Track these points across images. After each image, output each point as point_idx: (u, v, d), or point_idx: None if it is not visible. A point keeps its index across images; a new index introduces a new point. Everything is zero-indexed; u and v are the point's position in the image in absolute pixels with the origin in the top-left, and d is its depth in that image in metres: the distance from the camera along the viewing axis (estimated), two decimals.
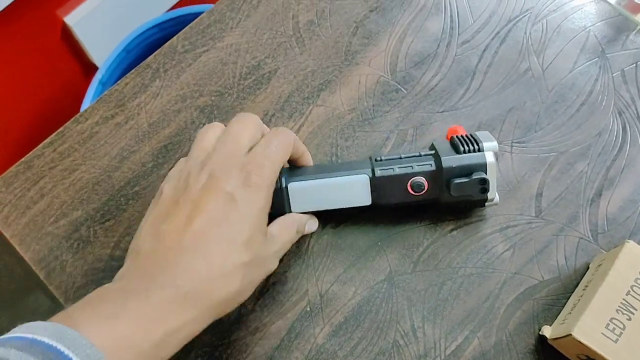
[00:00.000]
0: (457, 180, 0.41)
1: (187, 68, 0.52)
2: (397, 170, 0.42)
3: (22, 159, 0.49)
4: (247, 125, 0.40)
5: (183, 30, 0.54)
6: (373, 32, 0.53)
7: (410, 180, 0.42)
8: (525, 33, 0.52)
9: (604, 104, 0.50)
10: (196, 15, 0.94)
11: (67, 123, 0.50)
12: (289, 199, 0.42)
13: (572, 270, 0.45)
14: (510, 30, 0.53)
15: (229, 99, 0.51)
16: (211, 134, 0.40)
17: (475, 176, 0.41)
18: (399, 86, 0.51)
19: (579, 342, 0.37)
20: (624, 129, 0.49)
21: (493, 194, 0.42)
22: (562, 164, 0.48)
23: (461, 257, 0.45)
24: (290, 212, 0.43)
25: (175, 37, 0.53)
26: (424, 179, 0.42)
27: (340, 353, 0.43)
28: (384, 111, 0.50)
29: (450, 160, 0.41)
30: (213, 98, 0.51)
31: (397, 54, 0.52)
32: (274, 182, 0.38)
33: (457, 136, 0.43)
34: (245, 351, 0.43)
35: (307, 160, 0.44)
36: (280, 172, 0.42)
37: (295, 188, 0.42)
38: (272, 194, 0.38)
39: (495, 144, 0.42)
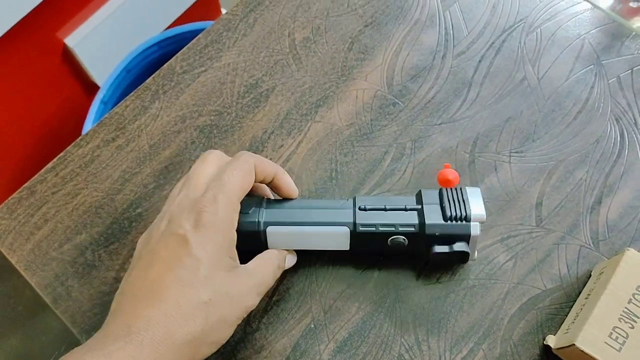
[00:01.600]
0: (438, 250, 0.41)
1: (185, 89, 0.53)
2: (380, 228, 0.41)
3: (25, 185, 0.50)
4: (205, 164, 0.40)
5: (181, 52, 0.54)
6: (369, 47, 0.53)
7: (390, 238, 0.41)
8: (520, 43, 0.53)
9: (600, 110, 0.50)
10: (194, 32, 0.95)
11: (69, 147, 0.51)
12: (266, 242, 0.42)
13: (574, 279, 0.45)
14: (505, 41, 0.53)
15: (227, 118, 0.51)
16: (180, 182, 0.41)
17: (457, 249, 0.40)
18: (396, 100, 0.51)
19: (583, 351, 0.37)
20: (622, 135, 0.49)
21: (473, 256, 0.42)
22: (561, 172, 0.48)
23: (463, 269, 0.45)
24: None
25: (173, 59, 0.54)
26: (405, 238, 0.41)
27: None
28: (382, 125, 0.50)
29: (434, 227, 0.40)
30: (212, 117, 0.51)
31: (393, 67, 0.52)
32: (231, 215, 0.37)
33: (446, 193, 0.42)
34: None
35: (287, 183, 0.43)
36: (260, 206, 0.42)
37: (273, 232, 0.41)
38: (232, 227, 0.37)
39: (483, 213, 0.40)
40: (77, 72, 1.01)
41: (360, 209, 0.41)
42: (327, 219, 0.41)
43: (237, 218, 0.38)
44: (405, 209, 0.41)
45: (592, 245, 0.46)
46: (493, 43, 0.53)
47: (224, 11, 1.26)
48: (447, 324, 0.44)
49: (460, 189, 0.42)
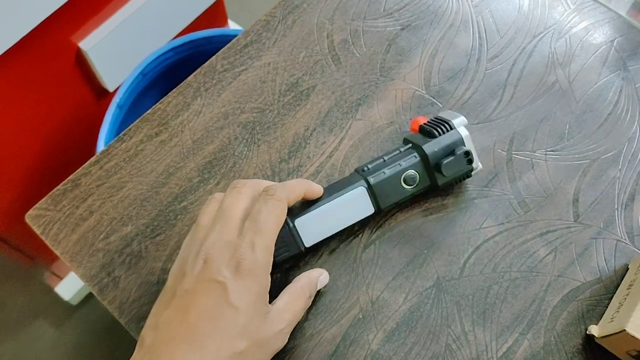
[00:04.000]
0: (446, 161, 0.44)
1: (227, 86, 0.54)
2: (388, 172, 0.45)
3: (69, 177, 0.50)
4: (239, 197, 0.41)
5: (221, 50, 0.55)
6: (405, 50, 0.55)
7: (402, 176, 0.45)
8: (551, 48, 0.55)
9: (630, 113, 0.52)
10: (208, 39, 0.96)
11: (112, 142, 0.51)
12: (299, 236, 0.43)
13: (612, 272, 0.46)
14: (536, 46, 0.55)
15: (270, 115, 0.52)
16: (210, 208, 0.42)
17: (459, 151, 0.45)
18: (434, 100, 0.53)
19: (633, 337, 0.38)
20: None
21: (476, 163, 0.46)
22: (595, 170, 0.50)
23: (505, 262, 0.47)
24: (304, 246, 0.44)
25: (214, 57, 0.55)
26: (414, 171, 0.45)
27: (395, 358, 0.44)
28: None
29: (431, 145, 0.45)
30: (254, 114, 0.52)
31: (430, 69, 0.54)
32: (268, 260, 0.39)
33: (424, 124, 0.47)
34: (302, 357, 0.43)
35: (317, 192, 0.44)
36: None
37: (303, 222, 0.43)
38: (268, 271, 0.39)
39: (462, 117, 0.46)
40: (88, 77, 1.01)
41: (364, 170, 0.45)
42: (342, 188, 0.44)
43: (272, 260, 0.39)
44: (400, 152, 0.46)
45: (627, 240, 0.47)
46: (525, 48, 0.55)
47: (230, 22, 1.27)
48: (492, 315, 0.45)
49: (433, 117, 0.48)
